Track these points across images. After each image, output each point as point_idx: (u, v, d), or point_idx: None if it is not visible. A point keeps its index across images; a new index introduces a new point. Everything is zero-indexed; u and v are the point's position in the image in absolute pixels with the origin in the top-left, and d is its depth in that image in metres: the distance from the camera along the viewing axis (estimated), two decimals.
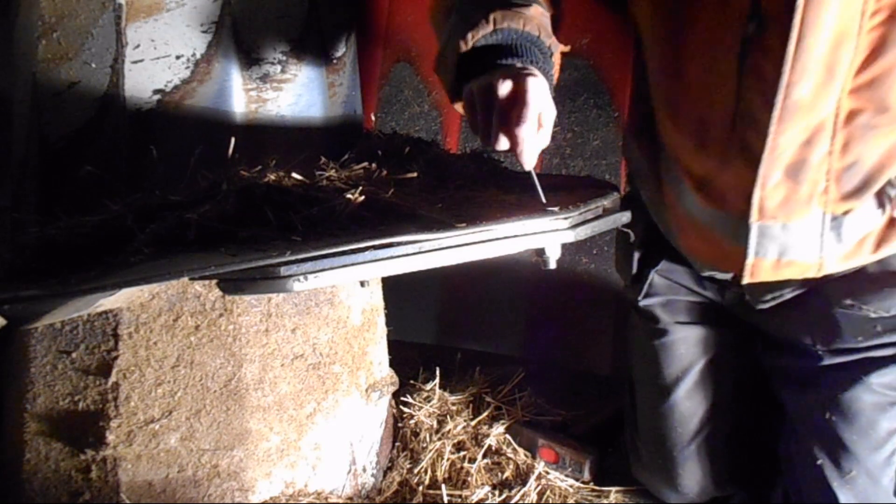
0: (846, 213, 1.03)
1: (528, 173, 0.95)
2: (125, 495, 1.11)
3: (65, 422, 1.13)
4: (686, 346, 1.33)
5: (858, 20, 0.89)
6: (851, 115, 0.96)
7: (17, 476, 1.15)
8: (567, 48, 1.06)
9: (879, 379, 1.11)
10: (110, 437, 1.11)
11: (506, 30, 0.97)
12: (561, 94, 1.78)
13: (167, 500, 1.14)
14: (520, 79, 0.92)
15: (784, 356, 1.27)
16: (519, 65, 0.97)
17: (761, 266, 1.10)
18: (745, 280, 1.12)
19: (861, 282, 1.10)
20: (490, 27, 0.97)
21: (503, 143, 0.92)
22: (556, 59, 1.05)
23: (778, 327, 1.26)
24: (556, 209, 0.91)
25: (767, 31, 0.92)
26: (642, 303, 1.35)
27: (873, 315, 1.10)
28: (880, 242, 1.07)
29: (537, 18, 1.01)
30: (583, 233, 0.93)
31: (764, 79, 0.95)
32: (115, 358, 1.11)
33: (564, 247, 0.93)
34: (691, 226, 1.18)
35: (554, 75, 1.05)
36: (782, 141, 0.98)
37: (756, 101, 0.98)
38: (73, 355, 1.12)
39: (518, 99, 0.91)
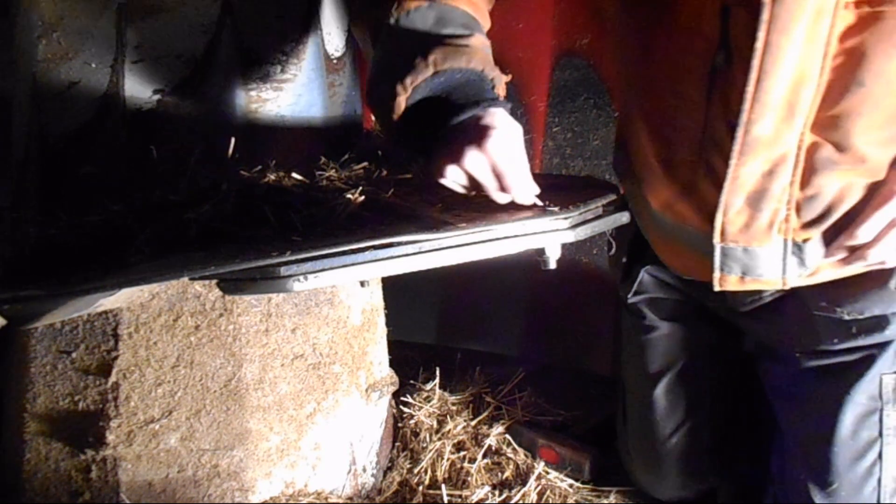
0: (806, 240, 1.04)
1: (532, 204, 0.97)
2: (125, 495, 1.11)
3: (65, 422, 1.13)
4: (669, 343, 1.35)
5: (820, 62, 0.90)
6: (813, 149, 0.97)
7: (17, 476, 1.15)
8: (508, 77, 1.01)
9: (860, 390, 1.12)
10: (110, 437, 1.11)
11: (448, 71, 0.92)
12: (561, 94, 1.78)
13: (167, 500, 1.14)
14: (484, 146, 0.89)
15: (768, 362, 1.29)
16: (467, 116, 0.92)
17: (728, 280, 1.12)
18: (716, 288, 1.14)
19: (837, 285, 1.11)
20: (430, 70, 0.92)
21: (505, 200, 0.94)
22: (501, 91, 1.00)
23: (760, 331, 1.29)
24: (556, 209, 0.91)
25: (734, 63, 0.93)
26: (631, 300, 1.38)
27: (847, 318, 1.11)
28: (842, 263, 1.08)
29: (481, 51, 0.96)
30: (583, 233, 0.93)
31: (729, 108, 0.95)
32: (115, 358, 1.11)
33: (564, 247, 0.93)
34: (660, 237, 1.21)
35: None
36: (743, 172, 0.99)
37: (721, 128, 0.98)
38: (73, 355, 1.12)
39: (497, 168, 0.91)
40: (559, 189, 1.07)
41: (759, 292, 1.19)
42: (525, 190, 0.94)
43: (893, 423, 1.12)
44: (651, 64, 1.03)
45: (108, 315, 1.11)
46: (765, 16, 0.86)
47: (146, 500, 1.13)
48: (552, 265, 0.94)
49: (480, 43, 0.97)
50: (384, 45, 0.97)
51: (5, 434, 1.19)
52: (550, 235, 0.90)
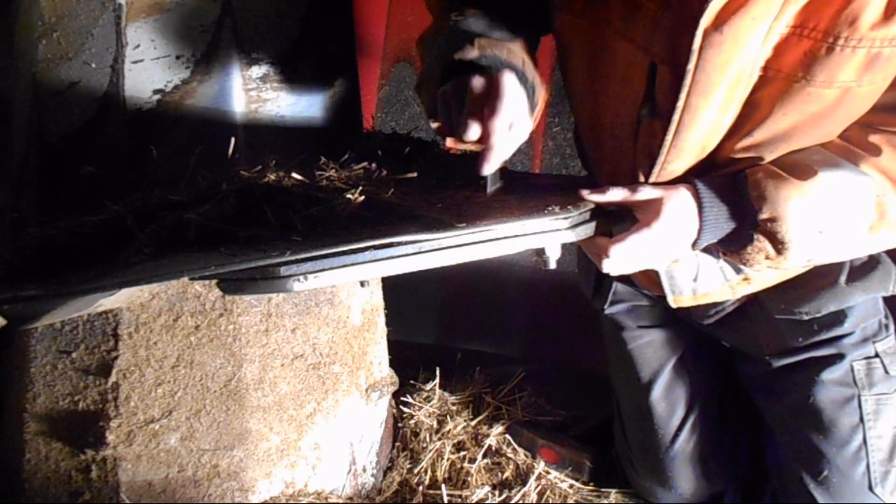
0: None
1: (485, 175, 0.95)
2: (125, 495, 1.12)
3: (65, 422, 1.13)
4: (653, 350, 1.38)
5: (735, 113, 0.95)
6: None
7: (17, 476, 1.15)
8: (550, 96, 1.05)
9: (830, 375, 1.17)
10: (110, 437, 1.11)
11: (490, 56, 0.96)
12: (561, 94, 1.77)
13: (167, 500, 1.14)
14: (494, 75, 0.92)
15: (742, 364, 1.33)
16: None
17: (681, 300, 1.19)
18: (672, 306, 1.20)
19: (793, 287, 1.16)
20: (475, 52, 0.96)
21: (473, 133, 0.91)
22: (541, 96, 1.04)
23: (727, 337, 1.33)
24: (556, 209, 0.91)
25: (656, 116, 0.98)
26: (608, 311, 1.40)
27: (807, 317, 1.16)
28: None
29: (521, 53, 1.00)
30: (583, 233, 0.93)
31: (651, 153, 1.01)
32: (115, 358, 1.11)
33: (564, 247, 0.93)
34: None
35: (537, 112, 1.05)
36: None
37: (645, 168, 1.03)
38: (73, 355, 1.12)
39: (492, 92, 0.91)
40: (559, 189, 1.07)
41: (721, 303, 1.24)
42: (500, 134, 0.91)
43: (872, 408, 1.15)
44: (594, 104, 1.08)
45: (108, 315, 1.11)
46: (686, 81, 0.90)
47: (146, 500, 1.13)
48: (552, 265, 0.93)
49: (520, 48, 1.01)
50: (441, 40, 1.02)
51: (5, 434, 1.19)
52: (550, 235, 0.89)
